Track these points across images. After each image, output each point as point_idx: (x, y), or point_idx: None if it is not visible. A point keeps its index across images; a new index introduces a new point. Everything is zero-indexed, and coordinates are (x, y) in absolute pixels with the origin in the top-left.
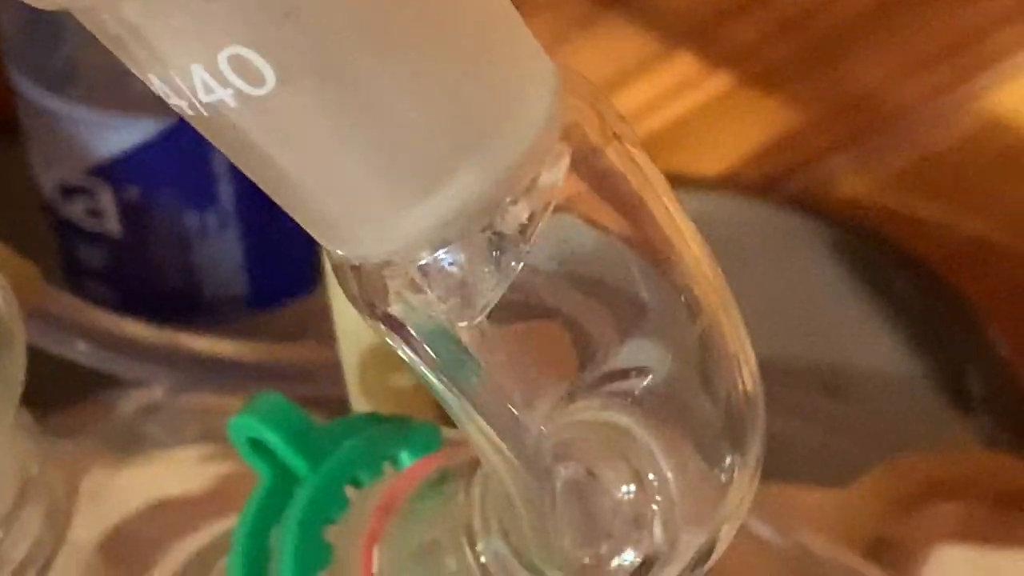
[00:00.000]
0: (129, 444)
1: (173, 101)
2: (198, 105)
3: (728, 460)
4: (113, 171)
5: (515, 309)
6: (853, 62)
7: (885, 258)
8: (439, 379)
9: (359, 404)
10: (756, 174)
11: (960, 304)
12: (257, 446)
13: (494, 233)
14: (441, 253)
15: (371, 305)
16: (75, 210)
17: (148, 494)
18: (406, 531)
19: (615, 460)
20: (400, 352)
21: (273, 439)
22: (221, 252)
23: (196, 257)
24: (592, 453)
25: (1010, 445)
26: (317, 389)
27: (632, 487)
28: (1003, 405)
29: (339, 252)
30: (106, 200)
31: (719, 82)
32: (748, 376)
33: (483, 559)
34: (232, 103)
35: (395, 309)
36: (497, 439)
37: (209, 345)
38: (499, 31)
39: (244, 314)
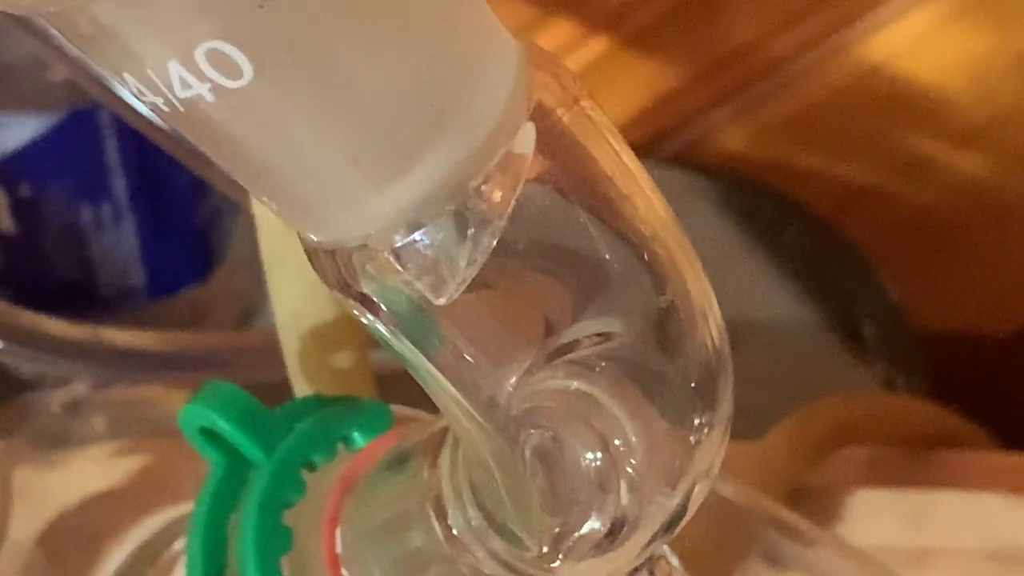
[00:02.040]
0: (56, 441)
1: (147, 99)
2: (174, 101)
3: (697, 421)
4: (4, 170)
5: (483, 280)
6: (726, 18)
7: (772, 209)
8: (411, 352)
9: (301, 387)
10: (638, 134)
11: (849, 250)
12: (208, 435)
13: (467, 212)
14: (416, 235)
15: (345, 286)
16: None
17: (78, 490)
18: (367, 510)
19: (580, 427)
20: (373, 329)
21: (225, 426)
22: (117, 244)
23: (92, 251)
24: (557, 420)
25: (907, 386)
26: (239, 374)
27: (598, 454)
28: (897, 348)
29: (314, 238)
30: None
31: (595, 47)
32: (715, 333)
33: (455, 531)
34: (209, 97)
35: (369, 289)
36: (469, 406)
37: (129, 338)
38: (464, 11)
39: (142, 304)
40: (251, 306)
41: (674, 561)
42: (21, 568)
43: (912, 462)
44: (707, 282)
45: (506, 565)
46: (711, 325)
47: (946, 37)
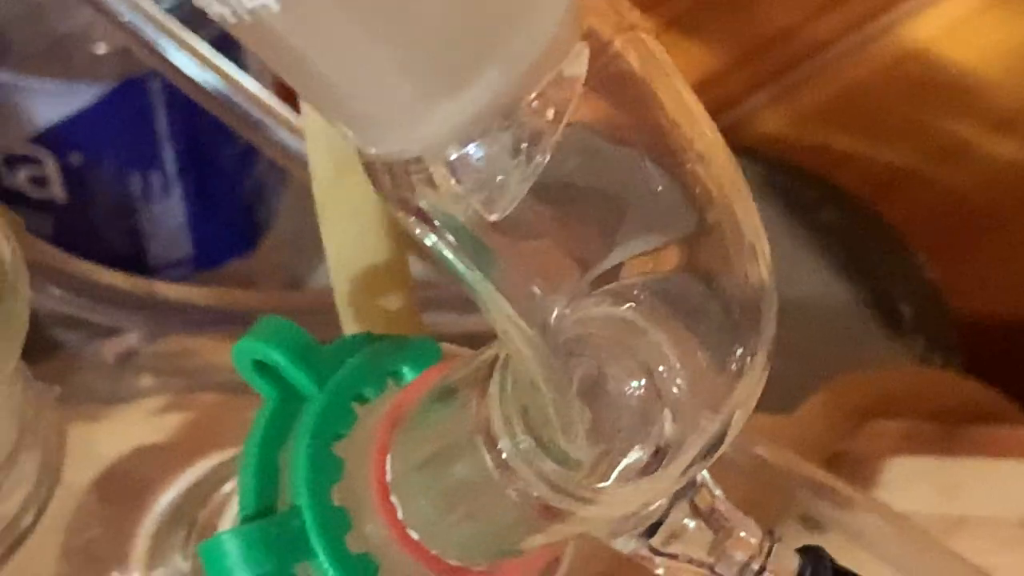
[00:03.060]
0: (109, 391)
1: (215, 10)
2: (242, 12)
3: (739, 350)
4: (56, 138)
5: (532, 202)
6: (766, 2)
7: (810, 191)
8: (466, 268)
9: (351, 328)
10: None
11: (886, 231)
12: (261, 369)
13: (520, 128)
14: (470, 148)
15: (402, 200)
16: (19, 179)
17: (129, 441)
18: (415, 441)
19: (624, 355)
20: (431, 246)
21: (279, 359)
22: (165, 214)
23: (140, 220)
24: (602, 349)
25: (943, 366)
26: None
27: (642, 381)
28: (933, 326)
29: (372, 150)
30: (50, 168)
31: None
32: (763, 265)
33: (504, 456)
34: (274, 7)
35: (425, 203)
36: (523, 325)
37: (180, 292)
38: None
39: (188, 275)
40: (295, 278)
41: (717, 491)
42: (75, 510)
43: (946, 435)
44: (757, 217)
45: (554, 487)
46: (759, 258)
47: (984, 22)
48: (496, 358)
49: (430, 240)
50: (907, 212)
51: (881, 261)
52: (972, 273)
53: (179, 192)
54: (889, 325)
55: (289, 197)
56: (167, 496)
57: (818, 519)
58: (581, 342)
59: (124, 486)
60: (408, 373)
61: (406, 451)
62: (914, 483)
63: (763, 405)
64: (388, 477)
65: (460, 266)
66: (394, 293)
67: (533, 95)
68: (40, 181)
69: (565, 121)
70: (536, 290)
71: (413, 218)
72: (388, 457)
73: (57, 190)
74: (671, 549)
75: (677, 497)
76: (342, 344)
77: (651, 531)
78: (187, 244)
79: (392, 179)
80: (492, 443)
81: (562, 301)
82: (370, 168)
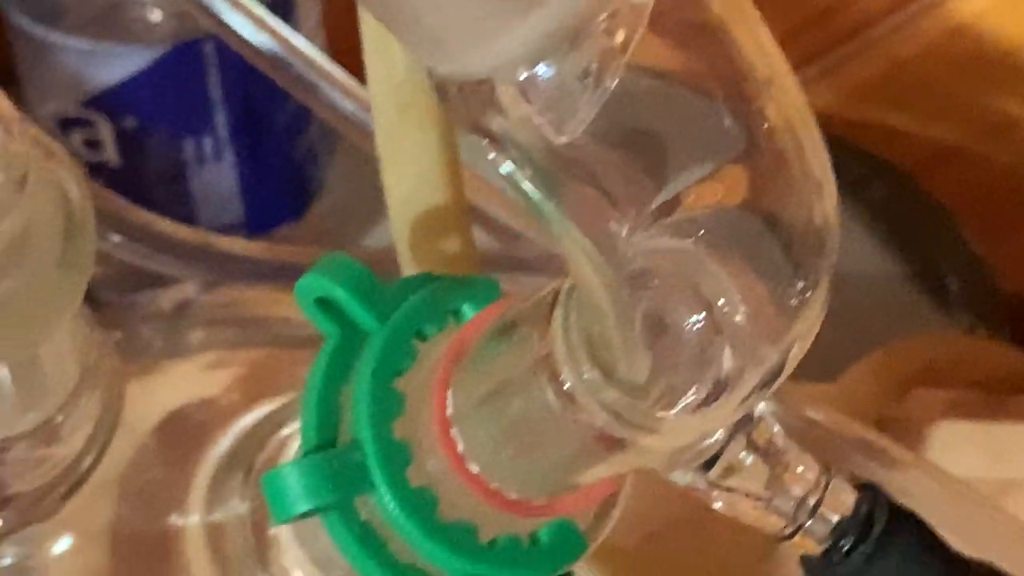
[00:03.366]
0: (164, 342)
1: None
2: None
3: (801, 284)
4: (110, 101)
5: (601, 129)
6: None
7: (859, 166)
8: (537, 192)
9: (410, 271)
10: None
11: (934, 206)
12: (324, 306)
13: (589, 51)
14: (539, 69)
15: (474, 122)
16: (73, 142)
17: (186, 390)
18: (476, 376)
19: (685, 288)
20: (502, 169)
21: (342, 296)
22: (216, 179)
23: (192, 185)
24: (663, 281)
25: (988, 339)
26: None
27: (702, 314)
28: (979, 301)
29: (443, 71)
30: (104, 131)
31: None
32: (828, 202)
33: (566, 387)
34: None
35: (496, 124)
36: (592, 249)
37: (237, 245)
38: None
39: None
40: (344, 245)
41: (776, 427)
42: (134, 454)
43: (993, 404)
44: (826, 157)
45: (617, 416)
46: (825, 195)
47: None
48: (559, 291)
49: (501, 165)
50: (955, 188)
51: (928, 236)
52: (1019, 248)
53: (231, 157)
54: (936, 300)
55: (339, 165)
56: (225, 440)
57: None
58: (643, 275)
59: (182, 431)
60: (468, 311)
61: (467, 386)
62: (961, 447)
63: (809, 374)
64: (449, 411)
65: (530, 190)
66: (453, 236)
67: (603, 17)
68: (94, 144)
69: (633, 45)
70: (600, 219)
71: (484, 139)
72: (449, 392)
73: (110, 153)
74: (728, 483)
75: (735, 431)
76: (403, 283)
77: (708, 465)
78: (238, 209)
79: (463, 100)
80: (554, 375)
81: (625, 232)
82: (442, 89)
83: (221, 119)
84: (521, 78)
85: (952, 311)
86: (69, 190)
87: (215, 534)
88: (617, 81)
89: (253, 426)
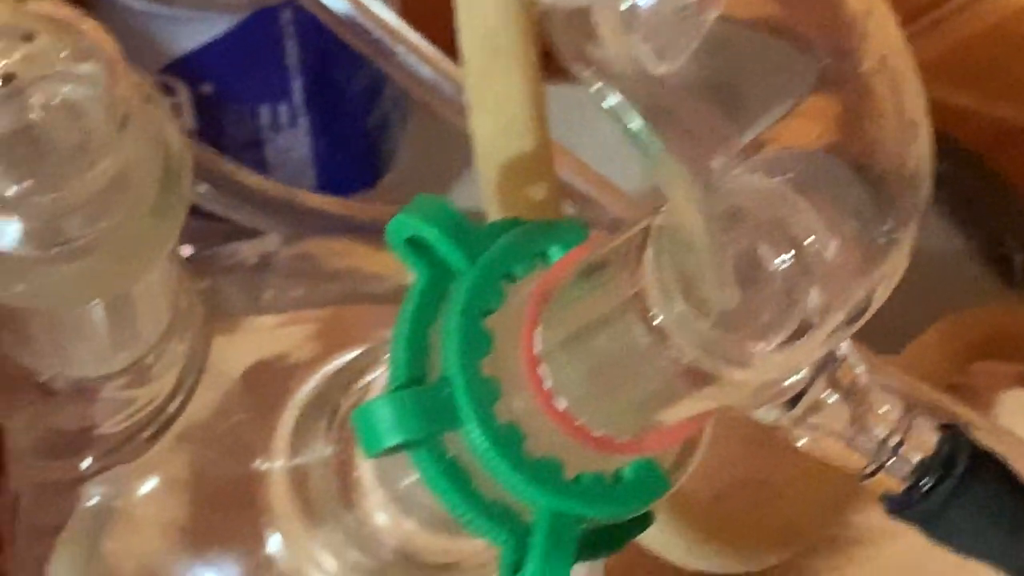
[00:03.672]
0: (250, 290)
1: None
2: None
3: (890, 225)
4: (188, 67)
5: (697, 61)
6: None
7: None
8: (636, 123)
9: (496, 217)
10: None
11: (999, 182)
12: (414, 246)
13: None
14: None
15: (577, 51)
16: None
17: (269, 341)
18: (564, 314)
19: (774, 226)
20: (606, 106)
21: (433, 235)
22: (291, 146)
23: (267, 152)
24: (752, 219)
25: None
26: None
27: (791, 252)
28: None
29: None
30: (182, 97)
31: None
32: (923, 144)
33: (659, 321)
34: None
35: (599, 54)
36: (690, 181)
37: (320, 201)
38: None
39: None
40: None
41: (860, 367)
42: (221, 398)
43: None
44: (923, 100)
45: (708, 349)
46: (919, 137)
47: None
48: (648, 228)
49: (609, 100)
50: (1019, 167)
51: (993, 212)
52: None
53: (306, 125)
54: (1001, 276)
55: (412, 135)
56: (308, 386)
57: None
58: (735, 212)
59: (265, 380)
60: (555, 253)
61: (555, 324)
62: None
63: (873, 344)
64: (537, 349)
65: (633, 122)
66: (540, 183)
67: None
68: (173, 109)
69: None
70: (698, 154)
71: (587, 70)
72: (537, 330)
73: (188, 119)
74: (812, 421)
75: (819, 370)
76: (492, 226)
77: (792, 403)
78: (311, 177)
79: (568, 30)
80: (644, 311)
81: (720, 168)
82: (547, 19)
83: (297, 86)
84: (624, 7)
85: (1017, 288)
86: (168, 136)
87: (299, 478)
88: (717, 11)
89: (336, 372)
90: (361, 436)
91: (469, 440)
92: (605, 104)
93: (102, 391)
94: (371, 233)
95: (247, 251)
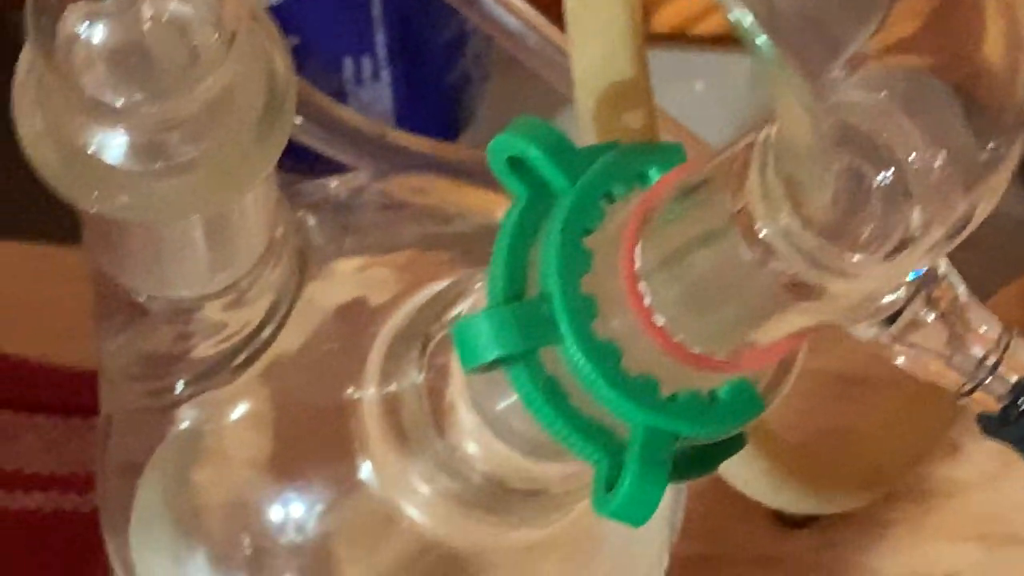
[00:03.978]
0: (340, 225)
1: None
2: None
3: (993, 144)
4: (276, 19)
5: None
6: None
7: None
8: (758, 32)
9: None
10: None
11: None
12: (514, 167)
13: None
14: None
15: None
16: None
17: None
18: (664, 232)
19: (879, 140)
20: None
21: (534, 154)
22: (373, 100)
23: (350, 105)
24: (858, 133)
25: None
26: None
27: (893, 168)
28: None
29: None
30: None
31: None
32: None
33: (763, 234)
34: None
35: None
36: (807, 92)
37: (411, 141)
38: None
39: None
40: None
41: (960, 287)
42: (314, 328)
43: None
44: None
45: (812, 260)
46: None
47: None
48: (752, 145)
49: (733, 13)
50: None
51: None
52: None
53: (388, 78)
54: None
55: (492, 93)
56: (399, 315)
57: None
58: (841, 125)
59: (355, 313)
60: (654, 175)
61: (655, 241)
62: None
63: None
64: (637, 265)
65: (753, 31)
66: (637, 111)
67: None
68: None
69: None
70: (812, 66)
71: None
72: (637, 246)
73: None
74: (910, 339)
75: (917, 288)
76: (591, 148)
77: (890, 320)
78: None
79: None
80: (748, 225)
81: (831, 80)
82: None
83: (381, 39)
84: None
85: None
86: (274, 59)
87: (390, 406)
88: None
89: (427, 302)
90: (460, 351)
91: (567, 356)
92: (730, 16)
93: (197, 314)
94: (458, 174)
95: (337, 186)
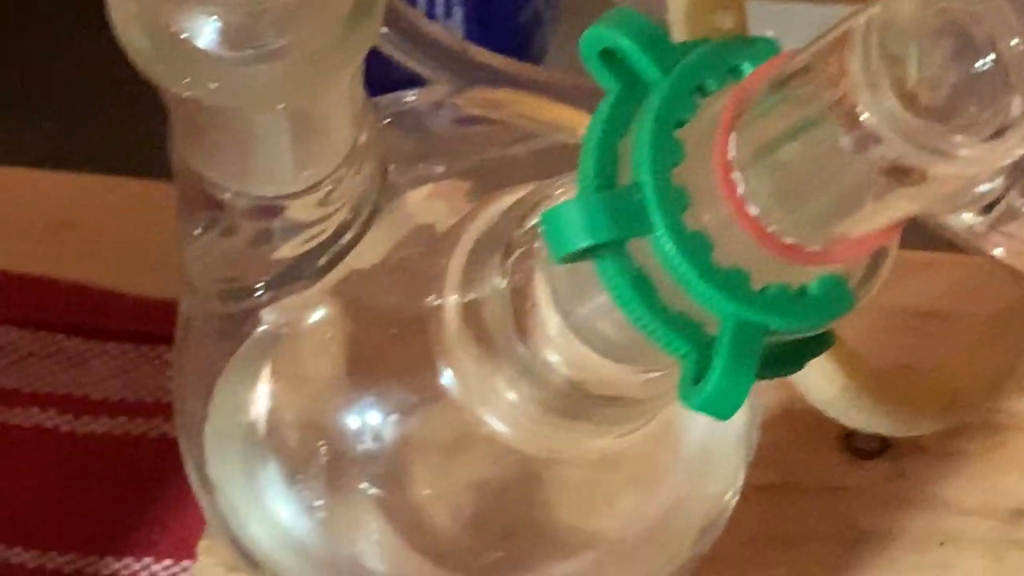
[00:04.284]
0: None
1: None
2: None
3: None
4: None
5: None
6: None
7: None
8: None
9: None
10: None
11: None
12: (606, 59)
13: None
14: None
15: None
16: None
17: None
18: (759, 122)
19: (980, 25)
20: None
21: (627, 46)
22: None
23: None
24: (962, 14)
25: None
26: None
27: (992, 55)
28: None
29: None
30: None
31: None
32: None
33: (864, 117)
34: None
35: None
36: None
37: (490, 58)
38: None
39: None
40: None
41: None
42: (398, 235)
43: None
44: None
45: (915, 142)
46: None
47: None
48: (850, 31)
49: None
50: None
51: None
52: None
53: (460, 16)
54: None
55: (562, 33)
56: (481, 221)
57: None
58: (945, 8)
59: (437, 220)
60: (748, 69)
61: (750, 131)
62: None
63: None
64: (731, 155)
65: None
66: (728, 10)
67: None
68: None
69: None
70: None
71: None
72: (732, 135)
73: None
74: (1006, 229)
75: (1016, 178)
76: (685, 43)
77: (987, 209)
78: None
79: None
80: (849, 110)
81: None
82: None
83: None
84: None
85: None
86: None
87: (473, 311)
88: None
89: (509, 208)
90: (549, 239)
91: (657, 247)
92: None
93: (280, 215)
94: (536, 92)
95: (416, 99)
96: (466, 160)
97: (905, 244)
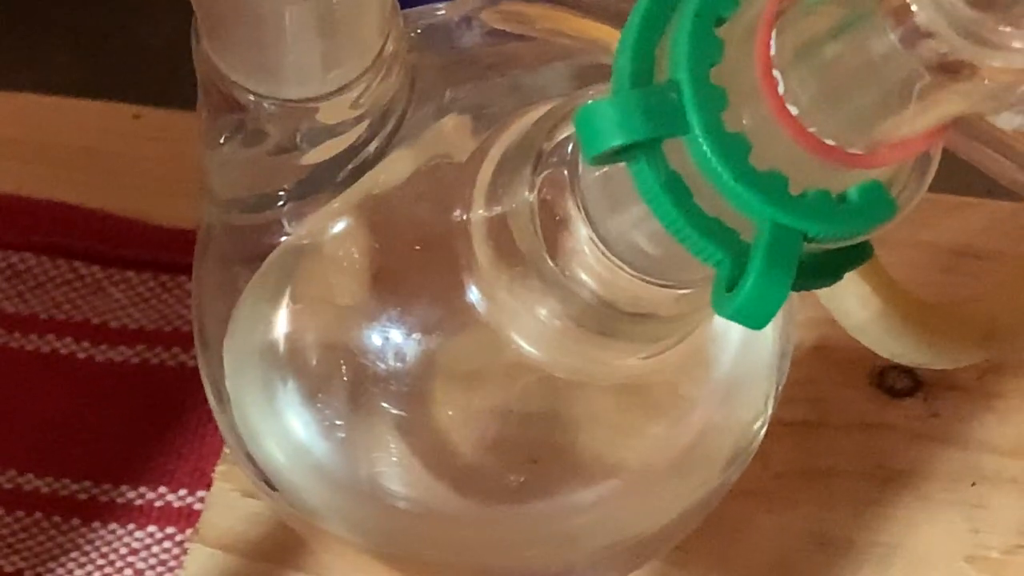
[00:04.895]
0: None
1: None
2: None
3: None
4: None
5: None
6: None
7: None
8: None
9: None
10: None
11: None
12: None
13: None
14: None
15: None
16: None
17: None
18: (803, 20)
19: None
20: None
21: None
22: None
23: None
24: None
25: None
26: None
27: None
28: None
29: None
30: None
31: None
32: None
33: (915, 9)
34: None
35: None
36: None
37: None
38: None
39: None
40: None
41: None
42: (424, 151)
43: None
44: None
45: (966, 34)
46: None
47: None
48: None
49: None
50: None
51: None
52: None
53: None
54: None
55: None
56: (509, 134)
57: None
58: None
59: (464, 134)
60: None
61: (792, 31)
62: None
63: None
64: (772, 52)
65: None
66: None
67: None
68: None
69: None
70: None
71: None
72: (773, 32)
73: None
74: None
75: None
76: None
77: None
78: None
79: None
80: (898, 3)
81: None
82: None
83: None
84: None
85: None
86: None
87: (500, 226)
88: None
89: (538, 120)
90: (582, 137)
91: (693, 148)
92: None
93: (305, 120)
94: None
95: (446, 12)
96: (496, 86)
97: (940, 188)
